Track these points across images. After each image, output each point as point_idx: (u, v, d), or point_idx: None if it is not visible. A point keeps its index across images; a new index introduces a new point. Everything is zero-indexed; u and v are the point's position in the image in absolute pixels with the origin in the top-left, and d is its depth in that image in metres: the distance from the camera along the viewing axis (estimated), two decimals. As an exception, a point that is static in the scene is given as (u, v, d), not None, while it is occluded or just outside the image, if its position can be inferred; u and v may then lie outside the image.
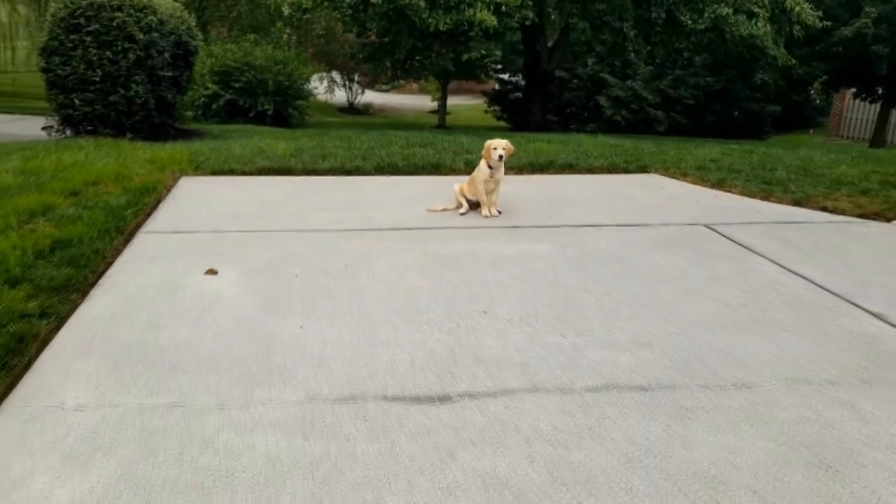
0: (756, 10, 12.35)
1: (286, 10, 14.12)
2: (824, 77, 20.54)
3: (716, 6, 12.13)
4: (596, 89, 24.69)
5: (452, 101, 33.70)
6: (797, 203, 5.69)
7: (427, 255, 4.24)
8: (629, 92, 23.65)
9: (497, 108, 28.08)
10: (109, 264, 3.94)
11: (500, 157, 4.99)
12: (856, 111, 25.28)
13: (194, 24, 12.51)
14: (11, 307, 3.06)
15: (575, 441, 2.33)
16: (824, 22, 13.53)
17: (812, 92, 25.25)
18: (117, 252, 4.15)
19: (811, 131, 27.25)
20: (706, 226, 5.01)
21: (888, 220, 5.29)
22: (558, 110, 25.37)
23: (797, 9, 12.77)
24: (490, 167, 5.03)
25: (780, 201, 5.77)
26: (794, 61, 14.41)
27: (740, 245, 4.58)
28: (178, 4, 12.16)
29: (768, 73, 19.86)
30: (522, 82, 24.45)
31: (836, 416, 2.51)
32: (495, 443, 2.31)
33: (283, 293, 3.59)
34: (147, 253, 4.21)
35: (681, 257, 4.32)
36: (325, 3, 12.36)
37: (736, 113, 23.22)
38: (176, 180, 6.13)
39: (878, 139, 19.86)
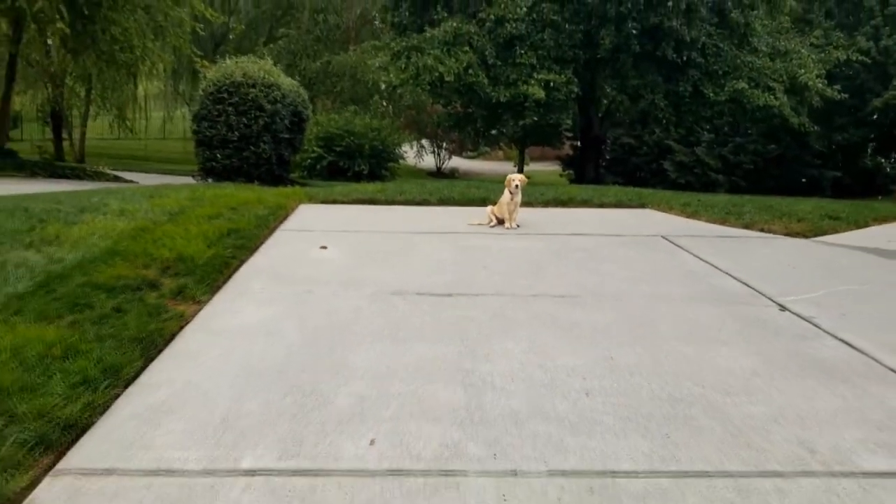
0: (772, 84, 14.26)
1: (382, 85, 17.01)
2: (871, 144, 21.76)
3: (734, 82, 14.16)
4: (661, 154, 26.61)
5: (534, 166, 36.00)
6: (745, 226, 7.60)
7: (457, 245, 6.48)
8: (693, 157, 25.45)
9: (571, 171, 30.34)
10: (262, 243, 6.37)
11: (517, 185, 7.22)
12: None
13: (307, 96, 15.56)
14: (218, 253, 5.49)
15: (510, 308, 4.48)
16: (842, 94, 15.18)
17: (867, 159, 26.28)
18: (265, 238, 6.58)
19: (880, 198, 27.96)
20: (663, 237, 7.01)
21: (806, 237, 7.14)
22: (626, 174, 27.37)
23: (810, 83, 14.57)
24: (511, 193, 7.27)
25: (732, 225, 7.69)
26: (815, 128, 16.04)
27: (679, 247, 6.57)
28: (295, 82, 15.26)
29: (819, 142, 21.31)
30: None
31: (665, 309, 4.55)
32: (469, 308, 4.48)
33: (363, 258, 5.88)
34: (283, 239, 6.64)
35: (632, 251, 6.37)
36: (411, 81, 15.11)
37: (803, 179, 24.47)
38: (297, 205, 8.65)
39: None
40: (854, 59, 16.54)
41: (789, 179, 24.55)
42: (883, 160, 27.91)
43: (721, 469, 2.56)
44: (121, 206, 7.35)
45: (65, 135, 31.98)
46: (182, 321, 4.00)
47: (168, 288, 4.50)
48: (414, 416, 2.90)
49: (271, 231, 6.87)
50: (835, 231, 7.61)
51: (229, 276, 5.11)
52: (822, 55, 16.04)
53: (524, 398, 3.12)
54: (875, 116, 18.16)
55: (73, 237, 5.81)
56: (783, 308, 4.64)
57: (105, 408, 2.84)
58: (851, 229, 7.83)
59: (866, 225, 8.16)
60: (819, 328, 4.24)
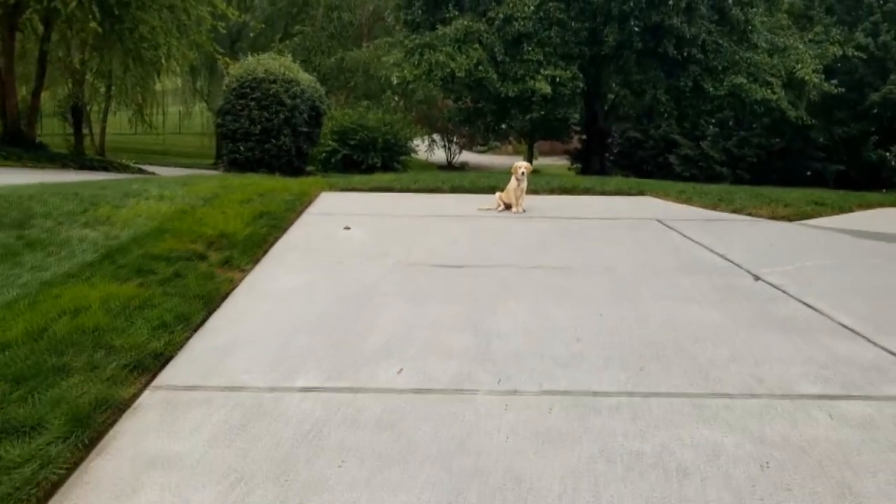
0: (770, 79, 14.77)
1: (394, 81, 17.60)
2: (874, 137, 22.18)
3: (733, 77, 14.68)
4: (667, 148, 27.11)
5: (544, 161, 36.49)
6: (734, 211, 8.15)
7: (469, 226, 7.07)
8: (698, 151, 25.93)
9: (579, 165, 30.85)
10: (291, 224, 6.97)
11: (523, 173, 7.80)
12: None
13: (324, 92, 16.16)
14: (254, 231, 6.10)
15: (514, 277, 5.07)
16: (839, 89, 15.69)
17: (872, 153, 26.59)
18: (293, 220, 7.19)
19: (884, 191, 28.25)
20: (657, 220, 7.57)
21: (791, 221, 7.69)
22: (633, 168, 27.88)
23: (807, 78, 15.07)
24: (517, 180, 7.85)
25: (722, 210, 8.24)
26: (812, 121, 16.54)
27: (670, 228, 7.13)
28: (313, 77, 15.86)
29: (821, 135, 21.74)
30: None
31: (651, 278, 5.12)
32: (478, 277, 5.07)
33: (383, 237, 6.47)
34: (310, 221, 7.25)
35: (627, 232, 6.94)
36: (423, 77, 15.70)
37: (808, 173, 24.87)
38: (319, 193, 9.25)
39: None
40: (850, 54, 17.00)
41: (793, 172, 24.98)
42: (887, 154, 28.31)
43: (682, 391, 3.14)
44: (159, 192, 7.98)
45: (85, 130, 32.75)
46: (232, 284, 4.61)
47: (215, 259, 5.12)
48: (433, 355, 3.50)
49: (298, 214, 7.49)
50: (819, 215, 8.15)
51: (266, 251, 5.73)
52: (820, 51, 16.53)
53: (524, 343, 3.71)
54: (875, 111, 18.60)
55: (122, 218, 6.44)
56: (757, 278, 5.21)
57: (181, 345, 3.46)
58: (835, 214, 8.36)
59: (850, 210, 8.69)
60: (786, 293, 4.80)
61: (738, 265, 5.56)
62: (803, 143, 23.96)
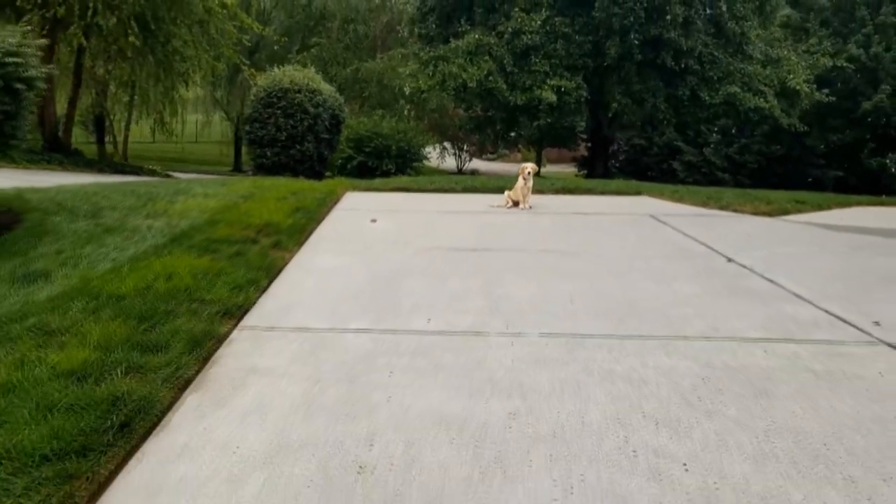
0: (763, 88, 15.63)
1: (407, 91, 18.52)
2: (871, 145, 22.89)
3: (727, 86, 15.56)
4: (671, 155, 27.90)
5: (552, 168, 37.33)
6: (721, 208, 8.95)
7: (480, 220, 7.90)
8: (700, 157, 26.71)
9: (585, 171, 31.65)
10: (323, 218, 7.82)
11: (529, 172, 8.64)
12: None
13: (343, 101, 17.08)
14: (295, 222, 6.96)
15: (520, 259, 5.90)
16: (829, 97, 16.53)
17: (872, 160, 27.27)
18: (325, 215, 8.04)
19: (883, 196, 28.85)
20: (650, 216, 8.39)
21: (771, 216, 8.49)
22: (637, 174, 28.69)
23: (798, 87, 15.91)
24: (524, 179, 8.69)
25: (710, 208, 9.05)
26: (804, 128, 17.35)
27: (661, 222, 7.94)
28: (332, 87, 16.79)
29: (817, 142, 22.48)
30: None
31: (639, 261, 5.94)
32: (489, 259, 5.91)
33: (405, 228, 7.33)
34: (339, 216, 8.11)
35: (621, 225, 7.76)
36: (437, 87, 16.63)
37: (809, 179, 25.54)
38: (344, 192, 10.12)
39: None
40: (840, 65, 17.82)
41: (793, 179, 25.65)
42: (887, 161, 28.97)
43: (651, 335, 3.96)
44: (204, 190, 8.88)
45: (107, 138, 33.88)
46: (283, 262, 5.47)
47: (266, 243, 5.98)
48: (453, 311, 4.33)
49: (329, 210, 8.35)
50: (798, 212, 8.94)
51: (306, 239, 6.58)
52: (811, 62, 17.36)
53: (527, 304, 4.54)
54: (869, 119, 19.36)
55: (177, 211, 7.33)
56: (730, 260, 6.01)
57: (254, 302, 4.31)
58: (814, 211, 9.15)
59: (828, 208, 9.47)
60: (753, 272, 5.60)
61: (716, 251, 6.36)
62: (802, 150, 24.68)
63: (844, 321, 4.31)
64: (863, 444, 2.71)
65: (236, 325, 3.88)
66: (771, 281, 5.31)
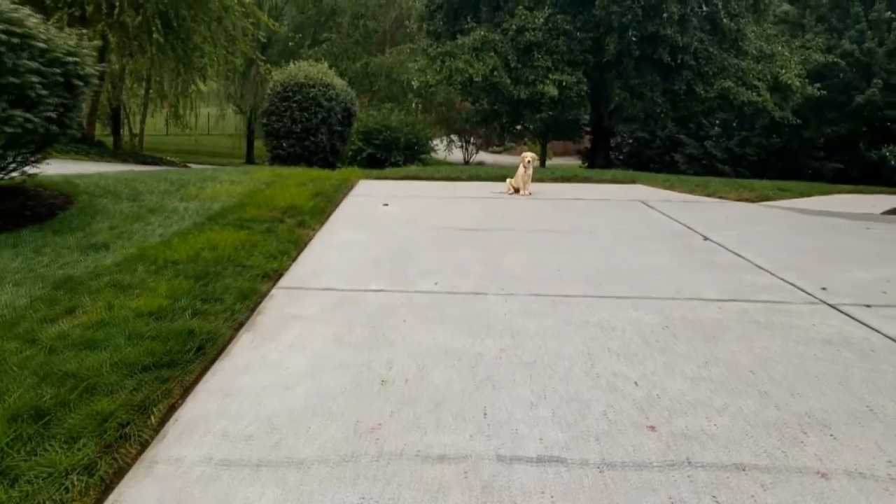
0: (756, 83, 16.25)
1: (415, 85, 19.18)
2: (867, 137, 23.40)
3: (722, 81, 16.21)
4: (673, 147, 28.49)
5: (557, 160, 37.95)
6: (707, 195, 9.59)
7: (483, 204, 8.58)
8: (701, 150, 27.28)
9: (588, 162, 32.25)
10: (340, 202, 8.52)
11: (529, 161, 9.30)
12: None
13: (354, 95, 17.74)
14: (316, 204, 7.65)
15: (517, 236, 6.58)
16: (821, 91, 17.13)
17: (872, 152, 27.76)
18: (341, 199, 8.73)
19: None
20: (641, 201, 9.04)
21: (753, 202, 9.12)
22: (640, 166, 29.28)
23: (790, 82, 16.52)
24: (524, 167, 9.35)
25: (698, 195, 9.70)
26: (797, 121, 17.92)
27: (649, 206, 8.59)
28: (345, 82, 17.45)
29: (815, 133, 23.00)
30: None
31: (625, 239, 6.61)
32: (491, 236, 6.59)
33: (415, 211, 8.01)
34: (354, 201, 8.80)
35: (613, 208, 8.42)
36: (445, 81, 17.30)
37: (809, 171, 26.03)
38: (357, 180, 10.80)
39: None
40: (832, 60, 18.39)
41: (793, 171, 26.16)
42: (887, 153, 29.42)
43: (625, 296, 4.63)
44: (229, 177, 9.58)
45: (122, 130, 34.64)
46: (308, 238, 6.16)
47: (291, 222, 6.67)
48: (458, 276, 5.01)
49: (344, 195, 9.04)
50: (779, 199, 9.57)
51: (326, 219, 7.28)
52: (804, 57, 17.94)
53: (521, 272, 5.22)
54: (865, 113, 19.87)
55: (208, 195, 8.03)
56: (706, 238, 6.67)
57: (287, 269, 5.01)
58: (794, 198, 9.77)
59: (809, 195, 10.09)
60: (724, 247, 6.26)
61: (694, 230, 7.02)
62: (801, 142, 25.18)
63: (795, 286, 4.97)
64: (782, 371, 3.38)
65: (274, 285, 4.58)
66: (739, 255, 5.96)
